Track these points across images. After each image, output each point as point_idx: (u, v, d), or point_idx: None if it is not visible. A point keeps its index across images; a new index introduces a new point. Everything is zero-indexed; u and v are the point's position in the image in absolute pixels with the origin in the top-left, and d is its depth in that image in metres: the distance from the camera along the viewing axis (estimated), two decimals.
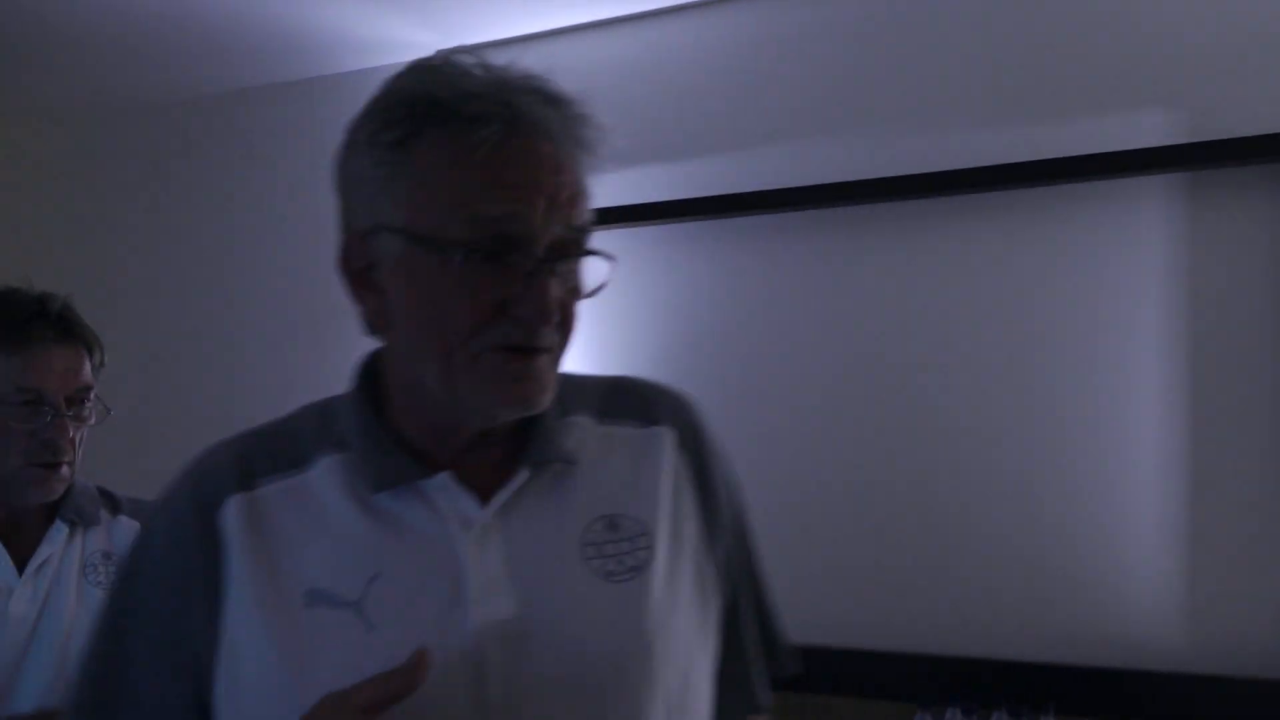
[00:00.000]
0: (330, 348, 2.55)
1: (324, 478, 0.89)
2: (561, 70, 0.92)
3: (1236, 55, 1.91)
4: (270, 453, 0.91)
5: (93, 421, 1.61)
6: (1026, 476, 1.98)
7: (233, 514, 0.88)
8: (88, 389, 1.59)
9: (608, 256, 0.88)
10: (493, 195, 0.83)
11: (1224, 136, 1.88)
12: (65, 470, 1.57)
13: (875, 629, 2.05)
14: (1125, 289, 1.95)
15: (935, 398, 2.06)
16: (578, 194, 0.86)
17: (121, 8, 2.39)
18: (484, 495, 0.89)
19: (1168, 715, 1.79)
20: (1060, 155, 1.97)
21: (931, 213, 2.09)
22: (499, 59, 0.89)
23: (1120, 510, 1.91)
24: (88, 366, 1.59)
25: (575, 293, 0.88)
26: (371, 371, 0.94)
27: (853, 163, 2.15)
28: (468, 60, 0.86)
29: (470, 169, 0.83)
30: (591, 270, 0.89)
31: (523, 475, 0.90)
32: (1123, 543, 1.91)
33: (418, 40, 2.53)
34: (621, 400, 0.97)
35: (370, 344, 0.95)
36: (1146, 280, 1.94)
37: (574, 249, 0.87)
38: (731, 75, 2.27)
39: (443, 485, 0.88)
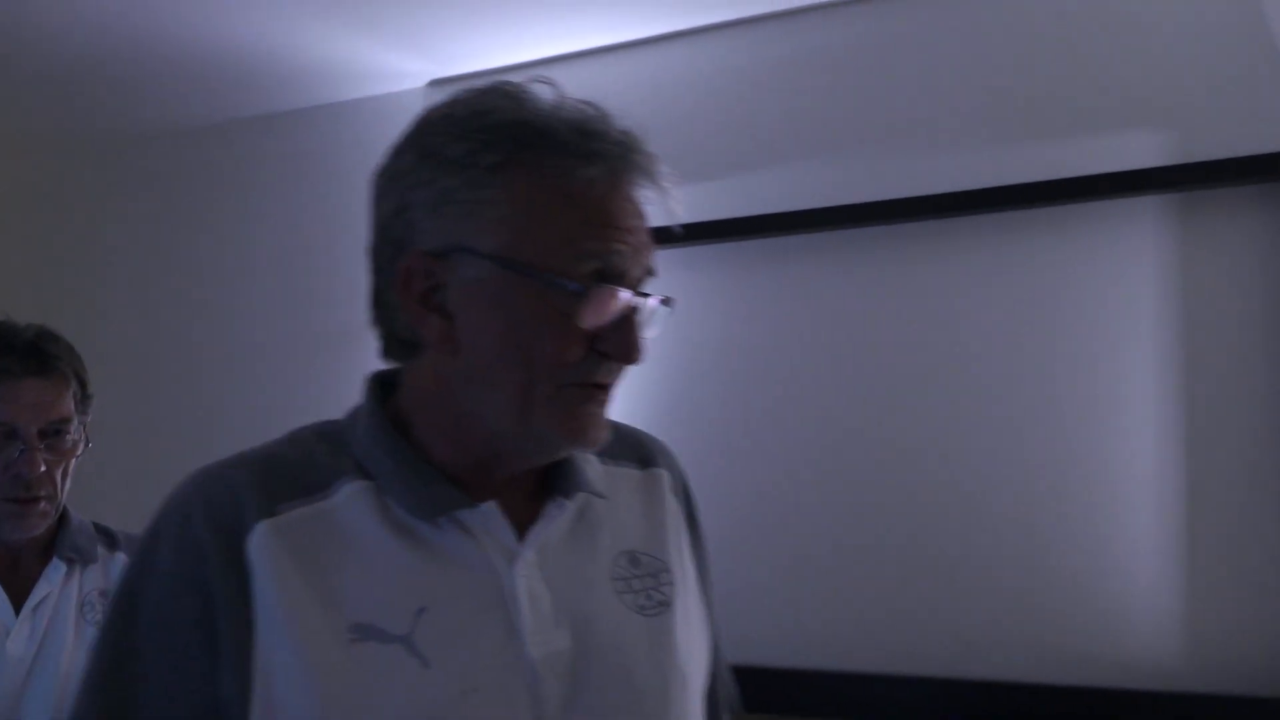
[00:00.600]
0: (318, 373, 2.54)
1: (351, 505, 0.85)
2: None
3: (1226, 76, 1.93)
4: (285, 478, 0.85)
5: (78, 453, 1.58)
6: (1022, 496, 1.98)
7: (262, 541, 0.81)
8: (65, 421, 1.54)
9: (671, 301, 0.89)
10: (600, 234, 0.83)
11: (1215, 158, 1.89)
12: (44, 505, 1.53)
13: (867, 651, 2.04)
14: (1119, 308, 1.96)
15: (929, 418, 2.06)
16: (651, 239, 0.88)
17: (108, 39, 2.39)
18: (516, 527, 0.88)
19: None
20: (1054, 178, 1.98)
21: (925, 235, 2.10)
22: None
23: (1116, 530, 1.91)
24: (67, 398, 1.54)
25: (647, 335, 0.89)
26: (376, 394, 0.91)
27: (842, 186, 2.15)
28: (553, 91, 0.86)
29: (580, 205, 0.83)
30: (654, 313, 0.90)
31: (559, 507, 0.90)
32: (1118, 562, 1.90)
33: (409, 69, 2.54)
34: (617, 442, 0.97)
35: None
36: (1140, 299, 1.94)
37: (648, 290, 0.88)
38: (725, 101, 2.28)
39: (486, 515, 0.86)
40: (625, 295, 0.84)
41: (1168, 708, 1.80)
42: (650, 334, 0.89)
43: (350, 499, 0.85)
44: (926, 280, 2.09)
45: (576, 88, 0.89)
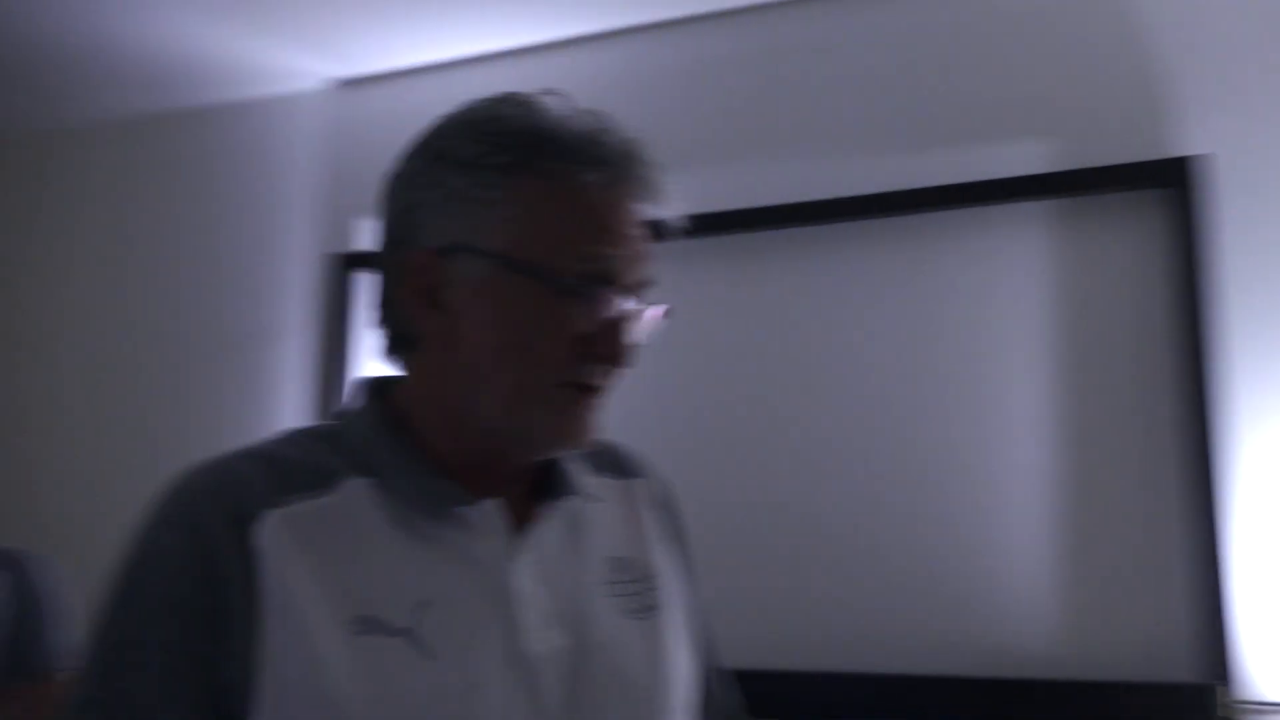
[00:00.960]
0: (220, 379, 2.50)
1: (355, 501, 0.86)
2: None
3: (1107, 87, 2.01)
4: (289, 472, 0.86)
5: None
6: (910, 495, 2.03)
7: (271, 529, 0.81)
8: None
9: (666, 308, 0.92)
10: (599, 236, 0.87)
11: (1097, 164, 1.98)
12: None
13: (754, 648, 2.06)
14: (1006, 310, 2.03)
15: (817, 419, 2.10)
16: (649, 247, 0.91)
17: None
18: (514, 526, 0.90)
19: (1060, 717, 1.85)
20: (944, 183, 2.05)
21: (820, 239, 2.15)
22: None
23: (1001, 527, 1.98)
24: None
25: (639, 341, 0.92)
26: (378, 394, 0.93)
27: (729, 191, 2.19)
28: (563, 102, 0.91)
29: (582, 209, 0.87)
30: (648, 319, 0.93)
31: (554, 509, 0.92)
32: (1003, 557, 1.97)
33: (311, 69, 2.51)
34: (597, 454, 1.00)
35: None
36: (1025, 301, 2.02)
37: (644, 298, 0.91)
38: (630, 106, 2.29)
39: (487, 512, 0.88)
40: (619, 299, 0.88)
41: (1049, 694, 1.86)
42: (644, 340, 0.92)
43: (354, 494, 0.86)
44: (820, 283, 2.14)
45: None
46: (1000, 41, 2.09)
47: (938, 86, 2.12)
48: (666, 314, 0.92)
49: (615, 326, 0.87)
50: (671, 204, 0.92)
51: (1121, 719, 1.81)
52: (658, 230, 0.93)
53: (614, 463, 1.03)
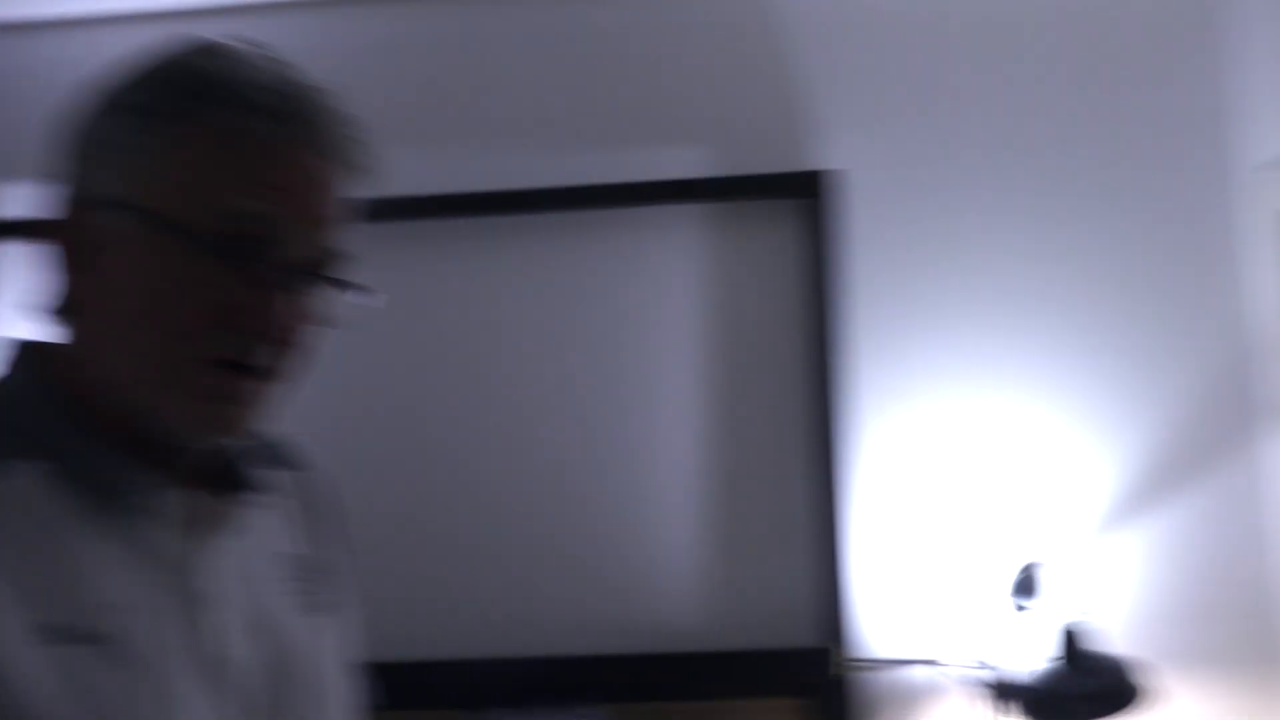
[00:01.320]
0: None
1: (24, 489, 0.75)
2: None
3: (758, 100, 2.17)
4: None
5: None
6: (568, 483, 2.10)
7: None
8: None
9: (357, 289, 0.83)
10: (247, 190, 0.77)
11: (744, 172, 2.13)
12: None
13: (407, 638, 2.02)
14: (660, 307, 2.14)
15: (481, 409, 2.12)
16: (332, 217, 0.81)
17: None
18: (198, 523, 0.82)
19: (698, 690, 1.98)
20: (608, 182, 2.13)
21: (487, 231, 2.16)
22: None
23: (651, 512, 2.08)
24: None
25: (309, 320, 0.82)
26: (35, 364, 0.82)
27: (402, 177, 2.17)
28: (257, 51, 0.81)
29: (231, 158, 0.77)
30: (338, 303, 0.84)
31: (238, 500, 0.85)
32: (653, 541, 2.07)
33: None
34: (266, 443, 0.92)
35: None
36: (677, 299, 2.14)
37: (317, 272, 0.81)
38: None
39: (171, 505, 0.80)
40: (278, 268, 0.78)
41: (694, 666, 1.99)
42: (321, 319, 0.83)
43: (22, 481, 0.75)
44: (490, 275, 2.16)
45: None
46: (664, 50, 2.21)
47: (606, 88, 2.20)
48: (358, 295, 0.83)
49: (266, 297, 0.77)
50: (367, 179, 0.84)
51: (755, 683, 1.97)
52: (352, 205, 0.84)
53: (280, 455, 0.96)
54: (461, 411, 2.14)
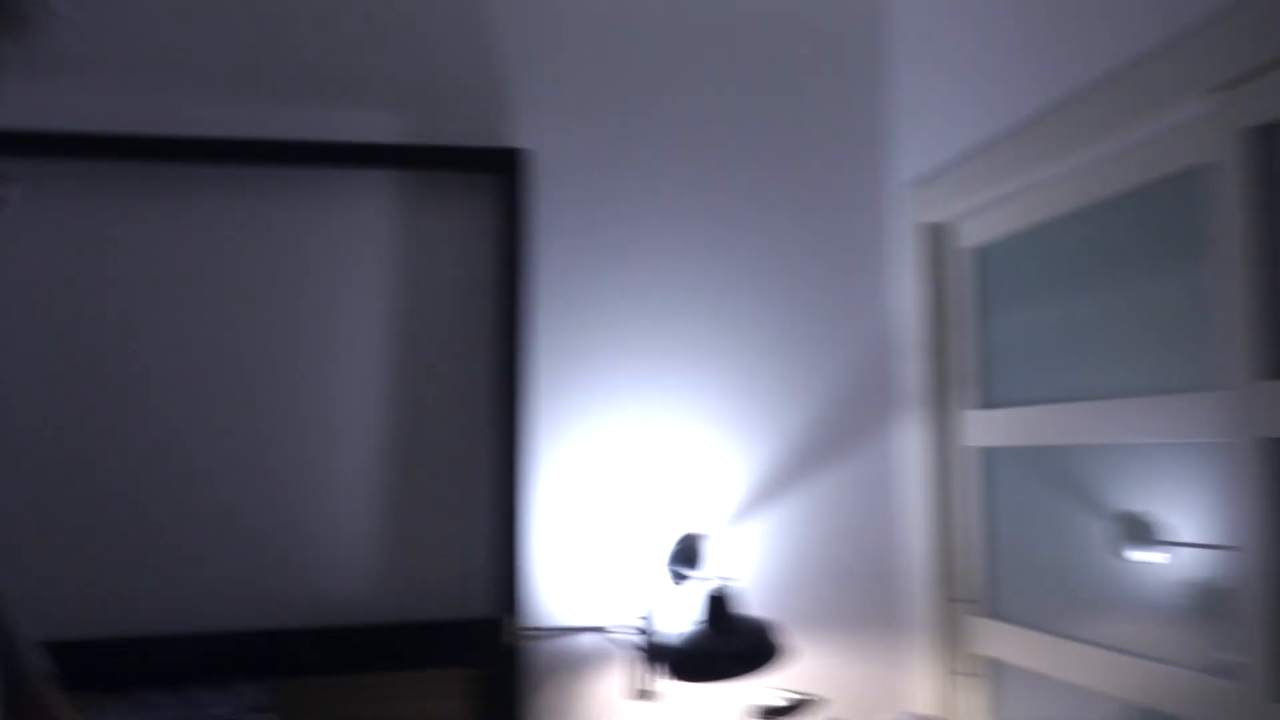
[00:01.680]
0: None
1: None
2: None
3: (460, 73, 2.16)
4: None
5: None
6: (239, 453, 2.03)
7: None
8: None
9: None
10: None
11: (441, 143, 2.13)
12: None
13: (72, 617, 1.94)
14: (348, 272, 2.09)
15: (135, 372, 2.01)
16: None
17: None
18: None
19: (366, 664, 1.98)
20: (301, 139, 2.06)
21: (167, 178, 2.05)
22: None
23: (329, 484, 2.05)
24: None
25: None
26: None
27: (84, 113, 2.03)
28: None
29: None
30: None
31: None
32: (331, 514, 2.05)
33: None
34: None
35: None
36: (366, 265, 2.10)
37: None
38: None
39: None
40: None
41: (373, 637, 1.99)
42: None
43: None
44: (170, 225, 2.03)
45: None
46: (370, 11, 2.16)
47: (298, 39, 2.12)
48: None
49: None
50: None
51: (426, 655, 1.99)
52: None
53: None
54: (120, 376, 2.00)
